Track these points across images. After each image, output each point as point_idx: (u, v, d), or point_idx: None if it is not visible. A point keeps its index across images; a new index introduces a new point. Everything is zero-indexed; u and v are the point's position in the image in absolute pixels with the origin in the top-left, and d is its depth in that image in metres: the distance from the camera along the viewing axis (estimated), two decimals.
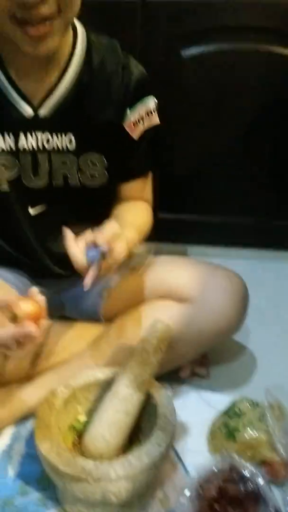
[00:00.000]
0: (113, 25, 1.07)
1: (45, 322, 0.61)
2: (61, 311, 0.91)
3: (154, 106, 0.79)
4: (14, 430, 0.75)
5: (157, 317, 0.68)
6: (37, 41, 0.60)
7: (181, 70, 1.13)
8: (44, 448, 0.58)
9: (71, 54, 0.71)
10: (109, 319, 0.84)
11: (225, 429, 0.71)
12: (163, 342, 0.66)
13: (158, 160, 0.86)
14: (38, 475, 0.67)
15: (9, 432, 0.75)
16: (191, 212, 1.32)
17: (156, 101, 0.79)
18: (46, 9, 0.57)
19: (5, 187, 0.75)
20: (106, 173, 0.78)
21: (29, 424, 0.75)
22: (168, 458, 0.68)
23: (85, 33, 0.73)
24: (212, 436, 0.73)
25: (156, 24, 1.10)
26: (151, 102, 0.78)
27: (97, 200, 0.80)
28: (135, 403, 0.64)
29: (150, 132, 0.79)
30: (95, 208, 0.80)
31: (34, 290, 0.63)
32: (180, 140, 1.21)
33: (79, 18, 0.70)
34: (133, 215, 0.81)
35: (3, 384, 0.76)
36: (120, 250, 0.63)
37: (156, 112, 0.79)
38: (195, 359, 0.86)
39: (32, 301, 0.62)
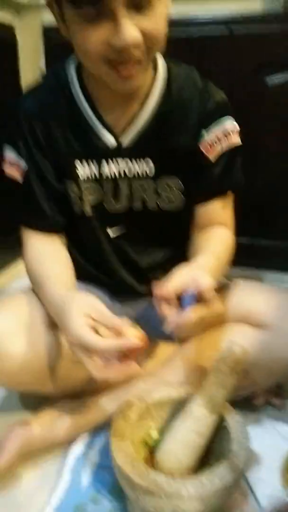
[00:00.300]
0: (201, 56, 1.13)
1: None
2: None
3: (233, 128, 0.78)
4: (88, 439, 0.78)
5: (234, 340, 0.68)
6: (126, 80, 0.65)
7: (264, 98, 1.16)
8: (120, 458, 0.60)
9: (152, 85, 0.75)
10: (183, 340, 0.85)
11: None
12: (239, 364, 0.65)
13: (239, 181, 0.83)
14: (109, 485, 0.69)
15: (84, 440, 0.78)
16: (267, 237, 1.31)
17: (235, 123, 0.79)
18: (137, 52, 0.61)
19: (88, 210, 0.80)
20: (183, 196, 0.80)
21: (103, 435, 0.78)
22: (239, 486, 0.66)
23: (165, 64, 0.77)
24: (286, 469, 0.70)
25: (243, 52, 1.13)
26: (228, 123, 0.77)
27: (174, 222, 0.82)
28: (208, 424, 0.64)
29: (230, 153, 0.79)
30: (172, 230, 0.83)
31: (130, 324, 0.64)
32: (260, 165, 1.21)
33: (168, 51, 0.74)
34: (213, 245, 0.79)
35: (79, 394, 0.79)
36: (207, 286, 0.64)
37: (235, 133, 0.79)
38: (270, 388, 0.83)
39: (138, 329, 0.63)
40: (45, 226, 0.79)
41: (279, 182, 1.23)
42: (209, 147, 0.77)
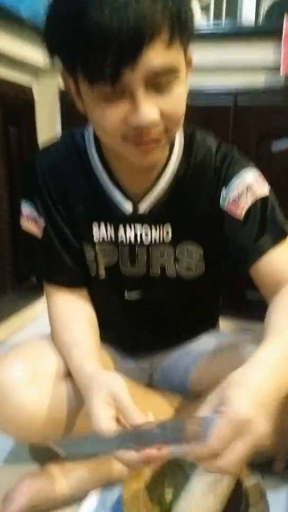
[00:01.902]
0: (207, 124, 1.21)
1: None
2: (149, 380, 0.93)
3: (255, 179, 0.72)
4: (99, 493, 0.76)
5: None
6: (145, 154, 0.63)
7: (270, 163, 1.22)
8: None
9: (170, 152, 0.73)
10: (197, 393, 0.84)
11: None
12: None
13: (285, 228, 0.73)
14: None
15: (94, 495, 0.75)
16: None
17: (257, 172, 0.74)
18: (155, 131, 0.60)
19: (102, 274, 0.78)
20: (203, 264, 0.78)
21: (116, 491, 0.75)
22: None
23: (181, 130, 0.74)
24: None
25: (247, 124, 1.22)
26: (248, 176, 0.72)
27: (194, 289, 0.80)
28: (224, 488, 0.62)
29: (260, 206, 0.71)
30: (192, 297, 0.82)
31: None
32: None
33: None
34: (284, 317, 0.64)
35: None
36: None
37: (259, 183, 0.72)
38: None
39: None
40: (70, 281, 0.79)
41: None
42: (233, 205, 0.72)
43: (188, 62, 0.63)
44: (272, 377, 0.54)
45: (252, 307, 1.31)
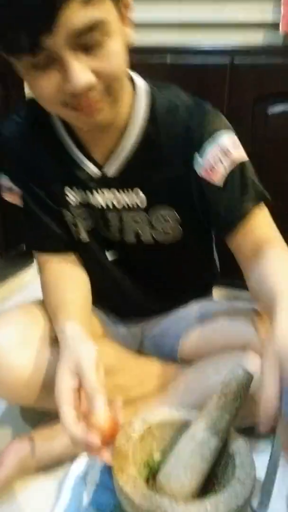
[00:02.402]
0: (203, 85, 1.16)
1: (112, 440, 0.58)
2: (139, 346, 0.94)
3: (231, 142, 0.68)
4: (89, 458, 0.77)
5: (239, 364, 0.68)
6: (90, 118, 0.61)
7: (266, 126, 1.18)
8: (122, 479, 0.59)
9: (131, 112, 0.69)
10: (186, 361, 0.85)
11: None
12: (243, 388, 0.65)
13: (262, 194, 0.72)
14: (111, 506, 0.68)
15: (85, 459, 0.77)
16: None
17: (233, 135, 0.70)
18: (94, 93, 0.57)
19: (85, 237, 0.79)
20: (180, 228, 0.76)
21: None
22: None
23: (147, 89, 0.70)
24: None
25: (244, 84, 1.17)
26: (224, 139, 0.67)
27: (175, 253, 0.80)
28: (212, 449, 0.63)
29: (239, 172, 0.69)
30: (175, 261, 0.82)
31: (118, 405, 0.58)
32: (266, 188, 1.23)
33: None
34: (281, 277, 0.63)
35: None
36: None
37: (235, 147, 0.69)
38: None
39: (111, 419, 0.58)
40: (57, 246, 0.79)
41: (283, 209, 1.25)
42: (209, 171, 0.68)
43: (126, 6, 0.57)
44: None
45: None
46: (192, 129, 0.68)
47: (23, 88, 1.33)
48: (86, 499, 0.70)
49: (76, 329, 0.67)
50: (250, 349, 0.79)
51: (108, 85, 0.58)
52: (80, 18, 0.51)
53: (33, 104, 0.71)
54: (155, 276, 0.86)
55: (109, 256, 0.82)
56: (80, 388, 0.59)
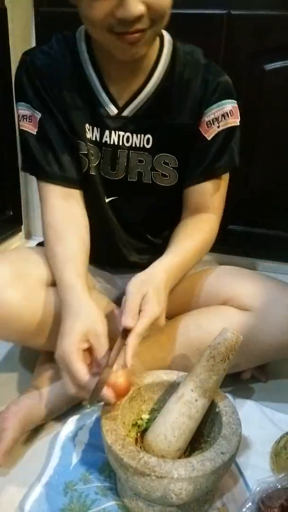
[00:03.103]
0: (198, 36, 1.10)
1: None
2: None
3: (232, 109, 0.79)
4: (78, 418, 0.78)
5: (221, 322, 0.70)
6: (131, 46, 0.66)
7: (263, 82, 1.14)
8: (110, 438, 0.60)
9: (157, 61, 0.77)
10: (169, 315, 0.85)
11: None
12: (231, 351, 0.65)
13: (233, 163, 0.82)
14: (99, 465, 0.69)
15: (74, 419, 0.78)
16: (263, 226, 1.30)
17: (236, 105, 0.79)
18: (141, 25, 0.63)
19: (93, 171, 0.81)
20: (177, 174, 0.81)
21: (94, 415, 0.78)
22: (230, 470, 0.67)
23: (171, 41, 0.78)
24: (276, 454, 0.71)
25: (241, 35, 1.11)
26: (227, 105, 0.78)
27: (166, 196, 0.83)
28: (199, 409, 0.64)
29: (226, 134, 0.79)
30: (164, 203, 0.84)
31: (130, 368, 0.62)
32: (259, 150, 1.20)
33: (167, 28, 0.73)
34: (189, 241, 0.80)
35: None
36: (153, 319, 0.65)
37: (234, 115, 0.79)
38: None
39: (126, 377, 0.62)
40: (66, 178, 0.79)
41: (278, 169, 1.22)
42: (206, 126, 0.78)
43: None
44: (170, 281, 0.73)
45: (234, 241, 1.32)
46: (206, 89, 0.77)
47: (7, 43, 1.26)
48: (75, 458, 0.71)
49: (86, 288, 0.70)
50: (231, 305, 0.80)
51: (154, 18, 0.64)
52: None
53: (64, 38, 0.78)
54: (144, 224, 0.87)
55: (107, 197, 0.83)
56: (89, 349, 0.63)
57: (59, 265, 0.73)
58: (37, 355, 0.88)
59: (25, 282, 0.72)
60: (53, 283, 0.74)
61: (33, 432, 0.77)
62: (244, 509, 0.56)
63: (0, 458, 0.69)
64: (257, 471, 0.68)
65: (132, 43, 0.65)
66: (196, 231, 0.82)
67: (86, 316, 0.65)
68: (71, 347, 0.61)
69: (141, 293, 0.66)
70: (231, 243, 1.32)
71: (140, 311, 0.65)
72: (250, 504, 0.56)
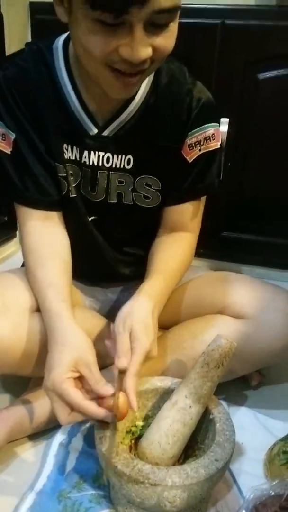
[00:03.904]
0: (193, 45, 1.12)
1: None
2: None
3: (214, 133, 0.77)
4: (72, 425, 0.77)
5: (216, 331, 0.69)
6: (125, 89, 0.63)
7: (257, 91, 1.15)
8: (104, 446, 0.60)
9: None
10: (162, 327, 0.85)
11: (284, 456, 0.69)
12: (225, 357, 0.65)
13: (213, 186, 0.81)
14: (93, 472, 0.69)
15: (67, 426, 0.77)
16: (256, 233, 1.31)
17: (218, 127, 0.78)
18: (145, 65, 0.60)
19: (73, 190, 0.78)
20: (159, 195, 0.79)
21: (86, 421, 0.77)
22: (224, 477, 0.67)
23: None
24: (270, 461, 0.71)
25: (234, 46, 1.13)
26: (210, 129, 0.76)
27: (150, 216, 0.82)
28: (193, 415, 0.64)
29: (207, 157, 0.78)
30: (149, 221, 0.83)
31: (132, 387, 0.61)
32: (252, 159, 1.22)
33: None
34: (170, 261, 0.79)
35: None
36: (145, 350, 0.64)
37: (216, 138, 0.77)
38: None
39: (125, 398, 0.60)
40: (44, 202, 0.76)
41: (271, 177, 1.24)
42: (188, 149, 0.76)
43: None
44: (157, 308, 0.71)
45: (228, 248, 1.33)
46: (190, 111, 0.75)
47: (3, 49, 1.27)
48: (69, 466, 0.71)
49: (70, 316, 0.67)
50: (225, 313, 0.81)
51: (156, 59, 0.61)
52: (168, 2, 0.55)
53: (39, 50, 0.72)
54: (129, 239, 0.86)
55: (89, 217, 0.82)
56: (79, 378, 0.62)
57: (42, 290, 0.71)
58: None
59: (12, 313, 0.70)
60: (39, 308, 0.72)
61: (26, 438, 0.76)
62: None
63: None
64: (251, 478, 0.68)
65: (129, 84, 0.62)
66: (176, 250, 0.81)
67: (74, 346, 0.62)
68: (61, 377, 0.59)
69: (128, 330, 0.64)
70: (224, 250, 1.33)
71: (131, 348, 0.63)
72: (244, 511, 0.56)
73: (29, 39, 1.29)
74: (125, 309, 0.67)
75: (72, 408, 0.59)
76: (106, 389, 0.60)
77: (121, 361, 0.61)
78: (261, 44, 1.11)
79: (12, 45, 1.26)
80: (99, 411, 0.59)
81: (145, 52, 0.57)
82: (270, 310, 0.77)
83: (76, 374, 0.61)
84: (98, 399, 0.60)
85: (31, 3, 1.26)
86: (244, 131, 1.17)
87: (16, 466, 0.72)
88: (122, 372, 0.61)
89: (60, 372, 0.59)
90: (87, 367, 0.61)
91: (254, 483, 0.62)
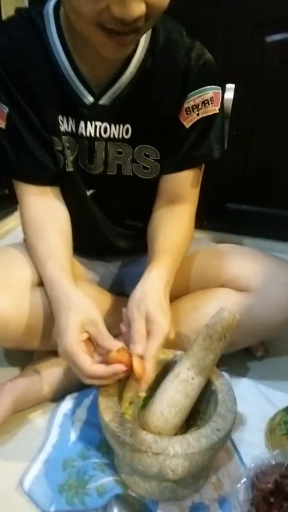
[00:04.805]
0: (198, 11, 1.06)
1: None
2: (121, 287, 0.94)
3: (213, 96, 0.73)
4: (76, 396, 0.79)
5: (218, 304, 0.68)
6: (119, 48, 0.60)
7: (264, 55, 1.10)
8: (107, 416, 0.61)
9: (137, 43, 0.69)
10: None
11: (285, 426, 0.70)
12: (228, 330, 0.65)
13: (212, 153, 0.77)
14: (97, 442, 0.70)
15: (72, 397, 0.79)
16: (261, 204, 1.29)
17: (218, 90, 0.74)
18: (139, 23, 0.56)
19: (70, 165, 0.76)
20: (159, 165, 0.77)
21: (91, 392, 0.78)
22: (225, 446, 0.68)
23: None
24: (271, 431, 0.72)
25: (242, 6, 1.07)
26: (209, 92, 0.73)
27: (149, 188, 0.80)
28: (195, 387, 0.65)
29: (205, 123, 0.74)
30: (148, 194, 0.81)
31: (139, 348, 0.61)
32: (259, 127, 1.18)
33: None
34: (173, 236, 0.76)
35: None
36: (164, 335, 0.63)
37: (214, 102, 0.74)
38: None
39: (125, 353, 0.60)
40: (40, 174, 0.75)
41: (278, 145, 1.20)
42: (185, 113, 0.73)
43: None
44: (168, 287, 0.70)
45: (231, 219, 1.31)
46: (188, 73, 0.71)
47: None
48: (73, 435, 0.72)
49: (72, 281, 0.67)
50: (229, 287, 0.80)
51: (151, 16, 0.57)
52: None
53: (28, 16, 0.69)
54: (128, 212, 0.85)
55: (88, 190, 0.81)
56: (89, 339, 0.62)
57: (42, 261, 0.71)
58: None
59: (13, 288, 0.70)
60: (41, 282, 0.72)
61: (31, 408, 0.78)
62: (238, 485, 0.57)
63: None
64: (252, 448, 0.69)
65: (123, 44, 0.59)
66: (178, 225, 0.78)
67: (78, 307, 0.63)
68: (71, 342, 0.60)
69: (143, 314, 0.63)
70: (228, 222, 1.31)
71: (147, 332, 0.62)
72: (244, 479, 0.57)
73: (26, 3, 1.23)
74: (137, 293, 0.66)
75: (82, 373, 0.60)
76: (115, 343, 0.60)
77: (137, 347, 0.61)
78: (269, 5, 1.05)
79: (8, 7, 1.21)
80: (107, 370, 0.59)
81: (138, 8, 0.54)
82: (274, 283, 0.76)
83: (85, 335, 0.61)
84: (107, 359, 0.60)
85: None
86: (250, 98, 1.13)
87: (21, 436, 0.74)
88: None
89: (69, 337, 0.60)
90: (94, 325, 0.61)
91: (255, 453, 0.63)
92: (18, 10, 0.70)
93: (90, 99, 0.71)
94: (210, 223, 1.25)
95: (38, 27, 0.68)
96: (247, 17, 1.08)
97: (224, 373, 0.71)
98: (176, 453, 0.56)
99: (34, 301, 0.71)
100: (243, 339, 0.81)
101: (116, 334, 0.66)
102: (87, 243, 0.84)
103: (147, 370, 0.60)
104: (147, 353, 0.60)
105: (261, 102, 1.15)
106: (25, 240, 0.79)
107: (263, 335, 0.83)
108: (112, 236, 0.86)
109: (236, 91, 1.02)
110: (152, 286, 0.67)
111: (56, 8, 0.68)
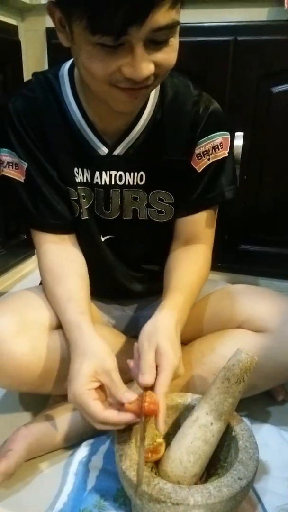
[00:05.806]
0: (207, 63, 1.13)
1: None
2: (136, 330, 0.93)
3: (222, 141, 0.77)
4: (91, 442, 0.77)
5: (235, 345, 0.67)
6: (131, 101, 0.64)
7: (270, 104, 1.15)
8: (125, 464, 0.59)
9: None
10: (183, 342, 0.84)
11: None
12: (246, 372, 0.64)
13: (224, 194, 0.80)
14: (114, 491, 0.68)
15: (88, 444, 0.77)
16: (273, 245, 1.30)
17: (227, 136, 0.78)
18: (149, 81, 0.61)
19: (85, 212, 0.79)
20: (173, 209, 0.80)
21: (108, 439, 0.77)
22: (248, 496, 0.65)
23: None
24: None
25: (247, 61, 1.14)
26: (218, 138, 0.77)
27: (163, 231, 0.82)
28: (215, 432, 0.63)
29: (216, 167, 0.78)
30: (162, 237, 0.83)
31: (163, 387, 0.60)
32: (268, 171, 1.21)
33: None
34: (187, 275, 0.78)
35: None
36: (173, 370, 0.62)
37: (224, 147, 0.77)
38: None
39: (151, 396, 0.59)
40: (57, 223, 0.78)
41: (286, 188, 1.23)
42: (197, 159, 0.77)
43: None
44: (180, 324, 0.70)
45: (245, 261, 1.32)
46: (197, 122, 0.75)
47: (21, 75, 1.31)
48: (89, 484, 0.70)
49: (92, 325, 0.68)
50: (245, 327, 0.79)
51: (160, 74, 0.62)
52: (165, 20, 0.55)
53: (46, 78, 0.74)
54: (143, 256, 0.87)
55: (103, 236, 0.82)
56: (101, 387, 0.62)
57: (61, 306, 0.72)
58: None
59: (31, 331, 0.71)
60: (58, 326, 0.73)
61: (46, 456, 0.76)
62: None
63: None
64: (276, 497, 0.66)
65: (135, 96, 0.63)
66: (193, 265, 0.80)
67: (93, 354, 0.63)
68: (80, 390, 0.59)
69: (153, 347, 0.63)
70: (241, 263, 1.32)
71: (156, 365, 0.62)
72: None
73: (46, 64, 1.33)
74: (148, 327, 0.66)
75: (94, 420, 0.59)
76: (128, 395, 0.60)
77: (145, 377, 0.60)
78: (273, 58, 1.12)
79: (30, 70, 1.30)
80: (120, 417, 0.58)
81: (147, 69, 0.58)
82: None
83: (97, 384, 0.61)
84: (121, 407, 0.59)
85: (47, 29, 1.31)
86: (259, 145, 1.17)
87: (35, 484, 0.72)
88: (146, 390, 0.60)
89: (80, 384, 0.60)
90: (107, 375, 0.61)
91: (279, 503, 0.60)
92: (35, 74, 0.77)
93: (104, 150, 0.75)
94: (224, 264, 1.26)
95: (54, 88, 0.74)
96: (253, 71, 1.13)
97: (245, 418, 0.69)
98: (197, 503, 0.54)
99: (51, 345, 0.72)
100: (262, 382, 0.79)
101: (130, 378, 0.65)
102: (103, 288, 0.85)
103: (161, 407, 0.58)
104: (158, 390, 0.59)
105: (269, 148, 1.19)
106: (41, 283, 0.81)
107: (282, 378, 0.81)
108: (127, 280, 0.87)
109: (245, 138, 1.07)
110: (163, 321, 0.68)
111: (71, 70, 0.74)
